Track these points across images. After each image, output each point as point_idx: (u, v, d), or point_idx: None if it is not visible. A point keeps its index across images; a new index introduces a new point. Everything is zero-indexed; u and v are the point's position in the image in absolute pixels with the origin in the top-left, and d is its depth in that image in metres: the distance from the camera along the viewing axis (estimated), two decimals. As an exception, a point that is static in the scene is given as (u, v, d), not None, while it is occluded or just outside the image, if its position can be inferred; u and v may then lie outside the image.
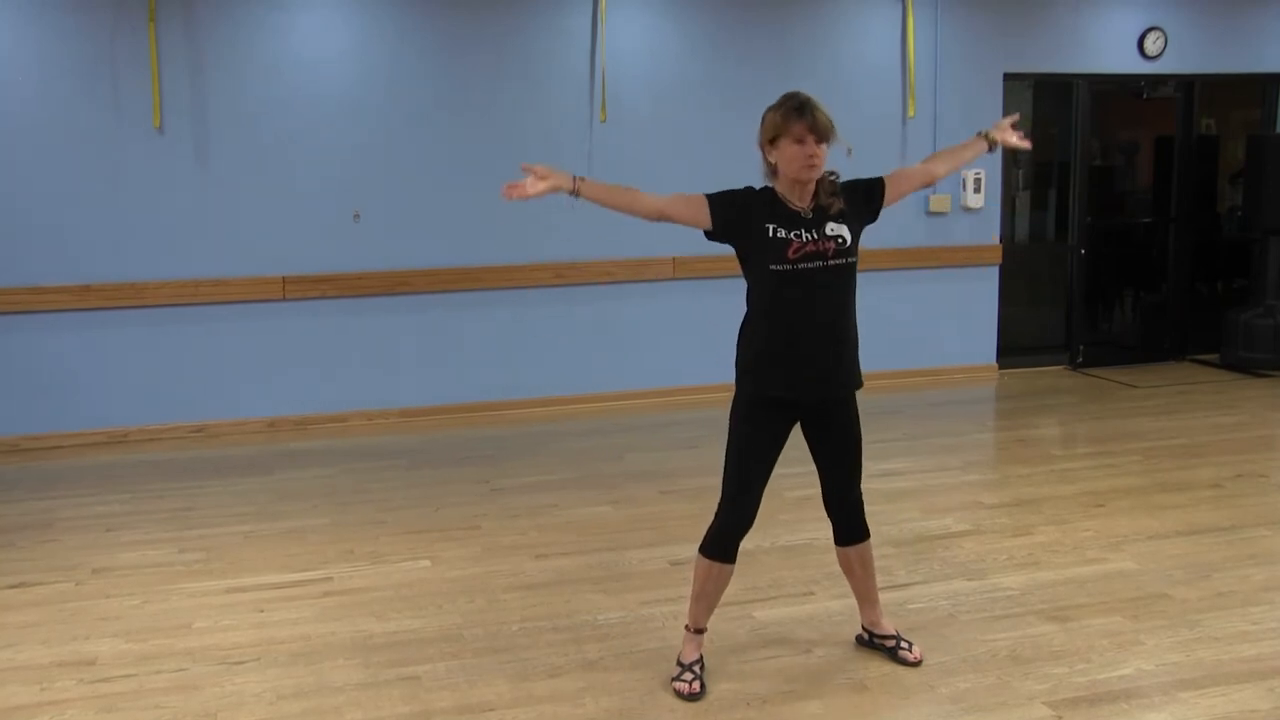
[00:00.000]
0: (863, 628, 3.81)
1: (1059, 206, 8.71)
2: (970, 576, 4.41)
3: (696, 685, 3.49)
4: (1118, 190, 9.31)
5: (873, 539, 3.73)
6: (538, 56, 7.10)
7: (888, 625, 3.77)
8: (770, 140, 3.40)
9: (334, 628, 4.03)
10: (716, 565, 3.53)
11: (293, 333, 6.90)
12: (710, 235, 3.45)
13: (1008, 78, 7.99)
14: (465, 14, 6.98)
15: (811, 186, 3.41)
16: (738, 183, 3.49)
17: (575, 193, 3.41)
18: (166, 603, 4.29)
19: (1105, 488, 5.53)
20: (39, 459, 6.40)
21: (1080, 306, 8.61)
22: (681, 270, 7.44)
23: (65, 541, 4.99)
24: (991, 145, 3.75)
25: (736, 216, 3.39)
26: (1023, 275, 8.59)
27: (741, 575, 3.92)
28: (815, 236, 3.36)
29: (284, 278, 6.83)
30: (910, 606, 4.12)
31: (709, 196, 3.41)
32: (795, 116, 3.32)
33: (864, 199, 3.50)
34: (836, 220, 3.40)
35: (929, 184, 3.73)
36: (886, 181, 3.56)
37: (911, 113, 7.74)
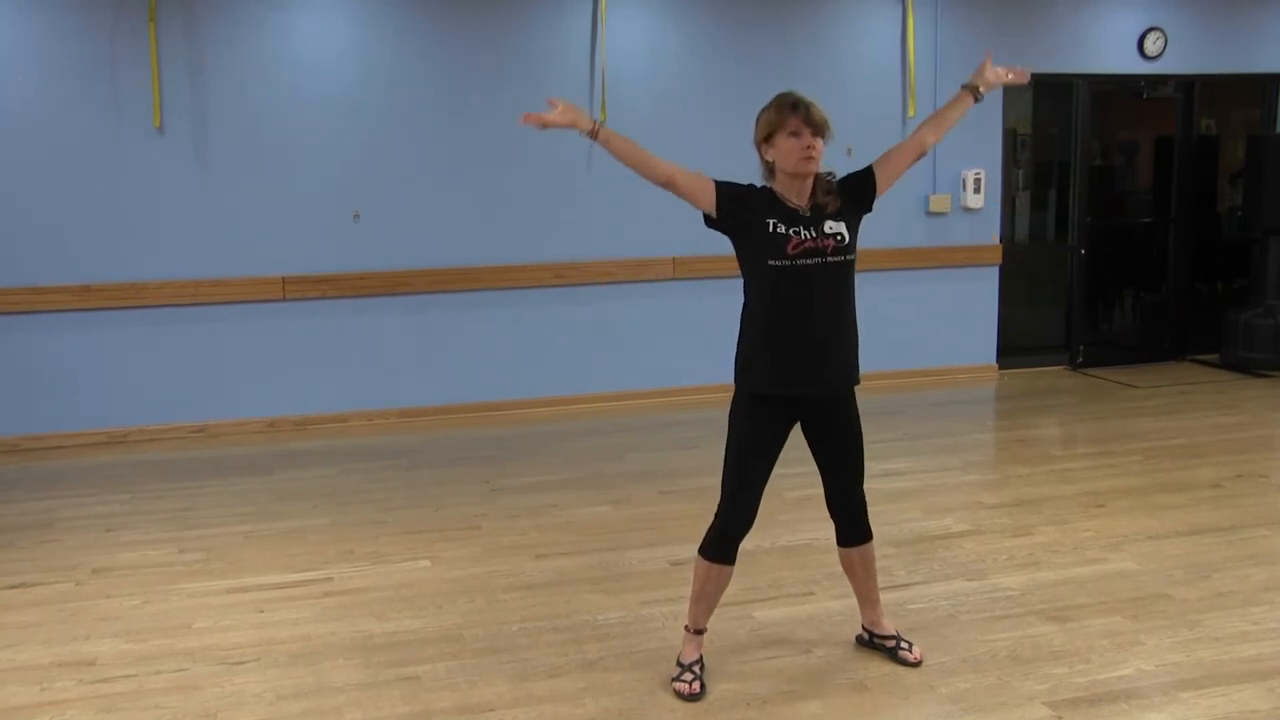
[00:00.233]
0: (863, 628, 3.81)
1: (1059, 206, 8.71)
2: (970, 577, 4.41)
3: (696, 685, 3.49)
4: (1118, 190, 9.31)
5: (874, 539, 3.73)
6: (538, 56, 7.10)
7: (888, 625, 3.77)
8: (766, 138, 3.41)
9: (334, 628, 4.03)
10: (716, 567, 3.53)
11: (293, 333, 6.90)
12: (709, 222, 3.45)
13: (1008, 78, 7.98)
14: (465, 14, 6.98)
15: (809, 185, 3.41)
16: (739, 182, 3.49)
17: (594, 135, 3.40)
18: (166, 603, 4.29)
19: (1105, 488, 5.53)
20: (39, 459, 6.40)
21: (1080, 307, 8.61)
22: (681, 270, 7.44)
23: (65, 541, 4.99)
24: (977, 95, 3.67)
25: (739, 209, 3.39)
26: (1023, 275, 8.59)
27: (741, 575, 3.92)
28: (814, 234, 3.36)
29: (284, 278, 6.83)
30: (910, 607, 4.12)
31: (717, 182, 3.41)
32: (790, 111, 3.35)
33: (857, 192, 3.50)
34: (834, 218, 3.40)
35: (922, 154, 3.62)
36: (875, 168, 3.54)
37: (912, 113, 7.74)
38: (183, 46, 6.54)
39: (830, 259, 3.37)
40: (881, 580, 3.91)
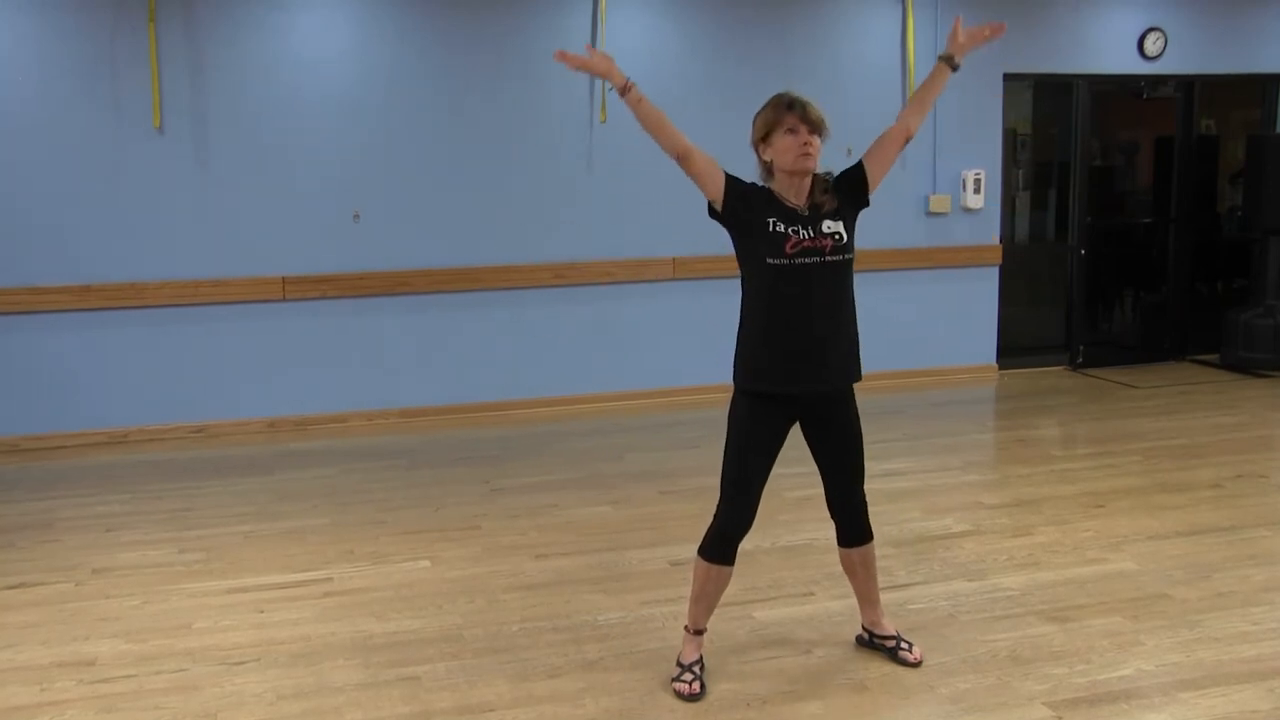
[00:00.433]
0: (863, 628, 3.81)
1: (1059, 207, 8.71)
2: (970, 577, 4.41)
3: (696, 686, 3.49)
4: (1118, 190, 9.31)
5: (874, 539, 3.72)
6: (538, 56, 7.10)
7: (888, 625, 3.77)
8: (763, 138, 3.42)
9: (334, 628, 4.03)
10: (715, 567, 3.53)
11: (293, 333, 6.90)
12: (714, 212, 3.45)
13: (1008, 78, 7.99)
14: (465, 14, 6.98)
15: (807, 184, 3.41)
16: (739, 182, 3.49)
17: (624, 91, 3.36)
18: (166, 603, 4.29)
19: (1105, 488, 5.53)
20: (39, 459, 6.40)
21: (1080, 307, 8.61)
22: (681, 270, 7.44)
23: (65, 542, 4.99)
24: (953, 64, 3.60)
25: (742, 207, 3.40)
26: (1023, 275, 8.59)
27: (741, 575, 3.92)
28: (812, 234, 3.36)
29: (284, 278, 6.83)
30: (910, 607, 4.12)
31: (728, 175, 3.42)
32: (786, 109, 3.37)
33: (851, 189, 3.50)
34: (832, 217, 3.41)
35: (909, 138, 3.58)
36: (865, 162, 3.53)
37: (911, 113, 7.73)
38: (183, 46, 6.54)
39: (829, 258, 3.37)
40: (881, 580, 3.91)
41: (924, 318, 8.02)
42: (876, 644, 3.76)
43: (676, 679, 3.53)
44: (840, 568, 3.80)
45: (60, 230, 6.47)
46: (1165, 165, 8.89)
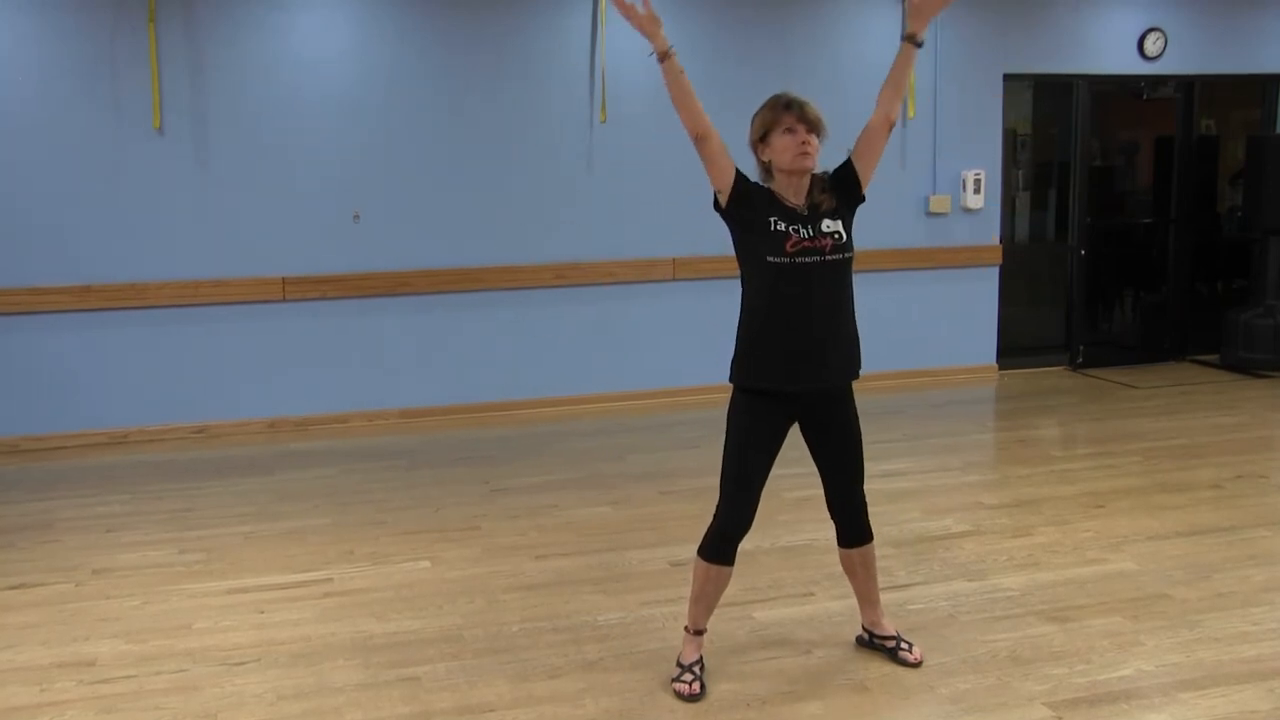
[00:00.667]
0: (863, 628, 3.81)
1: (1059, 207, 8.71)
2: (970, 577, 4.41)
3: (696, 686, 3.49)
4: (1118, 190, 9.31)
5: (874, 540, 3.73)
6: (538, 56, 7.10)
7: (888, 626, 3.77)
8: (761, 138, 3.43)
9: (334, 628, 4.03)
10: (715, 568, 3.53)
11: (293, 333, 6.90)
12: (719, 205, 3.45)
13: (1008, 78, 8.00)
14: (465, 14, 6.98)
15: (806, 184, 3.43)
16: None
17: (663, 57, 3.47)
18: (167, 603, 4.29)
19: (1105, 488, 5.53)
20: (39, 459, 6.40)
21: (1080, 307, 8.61)
22: (683, 271, 7.44)
23: (65, 542, 4.99)
24: (916, 40, 3.59)
25: (745, 207, 3.41)
26: (1023, 276, 8.59)
27: (741, 576, 3.92)
28: (812, 233, 3.37)
29: (284, 278, 6.83)
30: (910, 607, 4.12)
31: (738, 171, 3.42)
32: (784, 109, 3.38)
33: (844, 186, 3.50)
34: (831, 217, 3.42)
35: (891, 125, 3.55)
36: (853, 158, 3.53)
37: (912, 113, 7.74)
38: (183, 46, 6.54)
39: (829, 257, 3.37)
40: (881, 581, 3.91)
41: (924, 318, 8.02)
42: (876, 644, 3.76)
43: (676, 679, 3.53)
44: (840, 568, 3.80)
45: (60, 230, 6.47)
46: (1165, 165, 8.89)
